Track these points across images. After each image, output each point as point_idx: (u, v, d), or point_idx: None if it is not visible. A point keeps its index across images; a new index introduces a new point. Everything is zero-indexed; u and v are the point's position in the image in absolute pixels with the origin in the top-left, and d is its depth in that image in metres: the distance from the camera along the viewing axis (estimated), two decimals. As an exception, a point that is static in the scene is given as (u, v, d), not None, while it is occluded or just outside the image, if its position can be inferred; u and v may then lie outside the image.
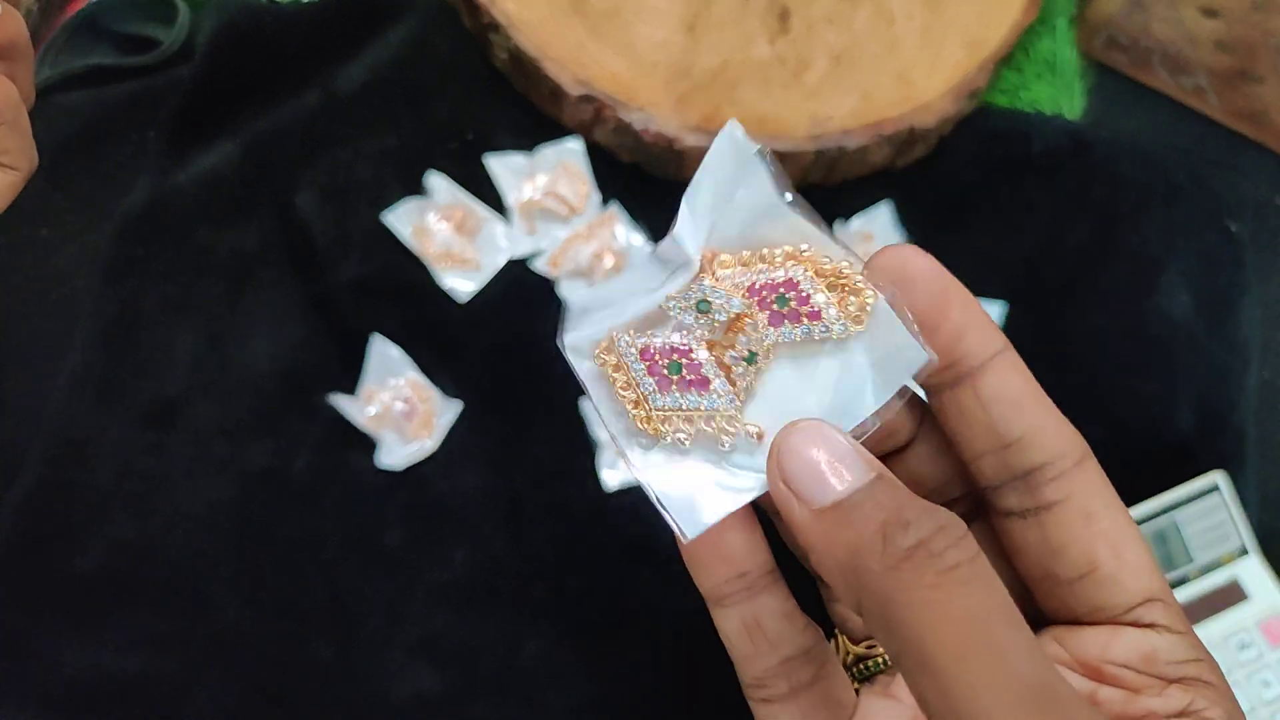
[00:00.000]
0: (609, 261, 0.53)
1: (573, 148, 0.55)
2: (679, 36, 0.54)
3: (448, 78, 0.57)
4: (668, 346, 0.22)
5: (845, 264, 0.21)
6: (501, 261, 0.54)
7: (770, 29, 0.55)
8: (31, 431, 0.48)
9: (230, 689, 0.46)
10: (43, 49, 0.55)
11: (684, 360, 0.22)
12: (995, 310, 0.55)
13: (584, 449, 0.51)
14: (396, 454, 0.50)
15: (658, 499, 0.21)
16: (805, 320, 0.21)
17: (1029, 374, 0.22)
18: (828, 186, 0.56)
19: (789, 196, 0.22)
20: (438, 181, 0.54)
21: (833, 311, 0.21)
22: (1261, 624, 0.49)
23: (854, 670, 0.25)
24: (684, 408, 0.21)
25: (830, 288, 0.21)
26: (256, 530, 0.48)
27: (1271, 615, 0.49)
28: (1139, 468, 0.52)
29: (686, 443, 0.22)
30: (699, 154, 0.52)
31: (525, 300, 0.53)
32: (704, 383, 0.21)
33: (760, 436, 0.21)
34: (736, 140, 0.22)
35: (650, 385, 0.22)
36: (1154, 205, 0.58)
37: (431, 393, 0.51)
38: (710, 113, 0.53)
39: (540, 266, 0.54)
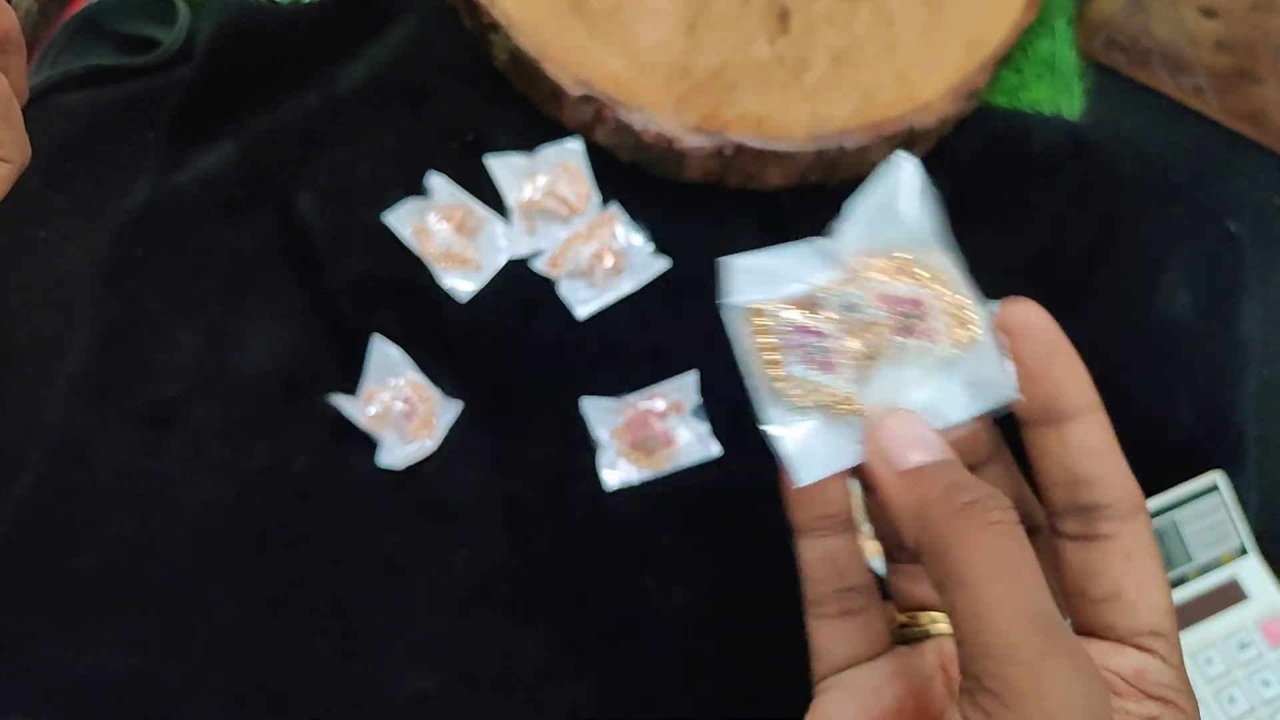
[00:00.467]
0: (609, 261, 0.53)
1: (573, 148, 0.55)
2: (679, 36, 0.54)
3: (447, 78, 0.57)
4: (812, 329, 0.26)
5: (968, 302, 0.27)
6: (501, 261, 0.54)
7: (770, 29, 0.55)
8: (31, 431, 0.48)
9: (230, 689, 0.46)
10: (42, 49, 0.55)
11: (822, 344, 0.26)
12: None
13: (584, 449, 0.51)
14: (396, 454, 0.50)
15: (780, 450, 0.26)
16: (922, 337, 0.26)
17: (1111, 431, 0.26)
18: (828, 186, 0.56)
19: (941, 234, 0.27)
20: (438, 181, 0.54)
21: (944, 337, 0.26)
22: (1261, 623, 0.49)
23: (895, 635, 0.29)
24: (810, 380, 0.26)
25: (950, 316, 0.26)
26: (256, 530, 0.48)
27: (1271, 615, 0.49)
28: (1139, 468, 0.51)
29: (809, 409, 0.26)
30: (699, 154, 0.53)
31: (525, 300, 0.53)
32: (830, 366, 0.26)
33: (867, 417, 0.26)
34: (905, 169, 0.27)
35: (793, 357, 0.26)
36: (1154, 205, 0.58)
37: (431, 393, 0.51)
38: (710, 113, 0.53)
39: (540, 266, 0.54)
